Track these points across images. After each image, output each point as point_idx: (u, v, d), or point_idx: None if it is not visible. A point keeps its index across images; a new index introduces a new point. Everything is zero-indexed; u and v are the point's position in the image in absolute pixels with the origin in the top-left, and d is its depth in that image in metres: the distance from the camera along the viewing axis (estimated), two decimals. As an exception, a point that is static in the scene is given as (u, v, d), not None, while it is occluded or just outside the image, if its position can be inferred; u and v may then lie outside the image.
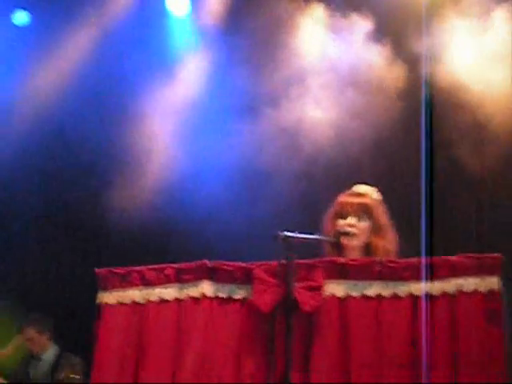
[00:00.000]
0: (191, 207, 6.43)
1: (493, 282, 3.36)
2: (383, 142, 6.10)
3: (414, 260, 3.49)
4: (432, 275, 3.42)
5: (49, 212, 7.29)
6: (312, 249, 3.72)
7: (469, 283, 3.38)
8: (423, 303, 3.37)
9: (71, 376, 6.64)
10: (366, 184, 4.17)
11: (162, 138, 6.69)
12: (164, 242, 6.74)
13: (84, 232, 7.20)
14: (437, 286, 3.41)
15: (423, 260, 3.46)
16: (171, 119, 6.66)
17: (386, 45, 6.11)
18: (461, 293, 3.38)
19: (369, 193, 4.13)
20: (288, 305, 3.39)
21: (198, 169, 6.55)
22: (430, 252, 3.73)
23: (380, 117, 6.04)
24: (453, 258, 3.45)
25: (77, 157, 6.99)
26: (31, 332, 6.90)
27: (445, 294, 3.39)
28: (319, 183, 6.11)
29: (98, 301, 3.69)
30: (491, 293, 3.35)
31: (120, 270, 3.68)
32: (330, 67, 6.19)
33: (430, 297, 3.40)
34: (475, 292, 3.37)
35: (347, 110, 6.08)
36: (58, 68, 6.85)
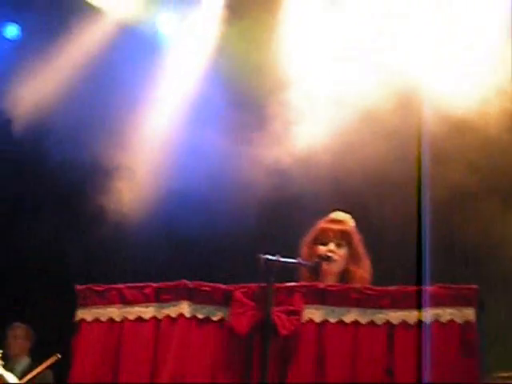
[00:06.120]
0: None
1: (469, 313, 3.40)
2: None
3: (391, 288, 3.51)
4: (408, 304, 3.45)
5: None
6: (288, 273, 3.74)
7: (445, 313, 3.41)
8: (425, 332, 3.38)
9: None
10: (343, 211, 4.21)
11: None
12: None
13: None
14: (413, 315, 3.44)
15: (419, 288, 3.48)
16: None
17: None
18: (437, 323, 3.41)
19: (347, 220, 4.17)
20: (265, 328, 3.41)
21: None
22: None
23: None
24: (430, 287, 3.48)
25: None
26: (20, 331, 6.98)
27: (421, 324, 3.42)
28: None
29: (76, 317, 3.69)
30: (467, 324, 3.39)
31: (99, 288, 3.69)
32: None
33: (405, 326, 3.42)
34: (451, 322, 3.40)
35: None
36: (50, 80, 6.88)
